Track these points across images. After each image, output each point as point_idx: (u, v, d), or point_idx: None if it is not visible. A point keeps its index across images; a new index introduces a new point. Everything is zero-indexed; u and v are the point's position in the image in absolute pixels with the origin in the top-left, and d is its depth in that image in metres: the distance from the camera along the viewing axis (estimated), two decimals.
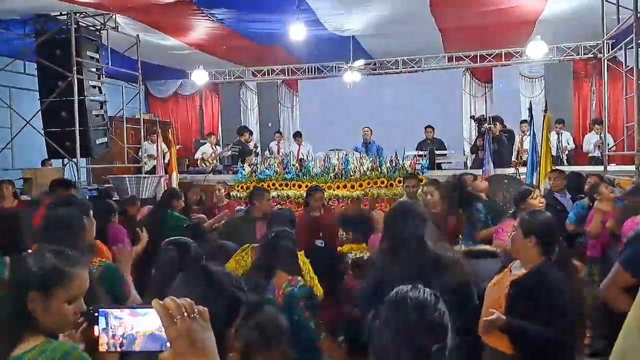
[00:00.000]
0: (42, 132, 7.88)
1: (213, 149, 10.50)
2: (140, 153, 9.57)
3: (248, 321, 1.78)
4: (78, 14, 7.61)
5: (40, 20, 7.66)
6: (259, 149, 10.21)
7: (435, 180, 4.98)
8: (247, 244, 3.58)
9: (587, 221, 4.71)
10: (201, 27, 8.48)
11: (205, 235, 3.30)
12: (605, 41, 7.91)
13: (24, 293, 1.62)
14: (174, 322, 0.93)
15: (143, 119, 9.69)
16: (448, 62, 11.33)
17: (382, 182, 6.78)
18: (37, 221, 3.70)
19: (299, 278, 2.88)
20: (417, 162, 7.22)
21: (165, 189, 7.45)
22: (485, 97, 11.79)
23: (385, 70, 11.65)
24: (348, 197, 6.75)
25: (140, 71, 8.98)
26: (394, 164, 6.92)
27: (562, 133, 9.55)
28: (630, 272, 2.37)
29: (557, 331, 2.42)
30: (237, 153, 9.14)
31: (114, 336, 0.95)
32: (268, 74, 12.39)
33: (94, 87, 8.04)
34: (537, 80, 11.33)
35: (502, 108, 10.87)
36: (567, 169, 6.83)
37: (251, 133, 10.33)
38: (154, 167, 9.24)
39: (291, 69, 12.08)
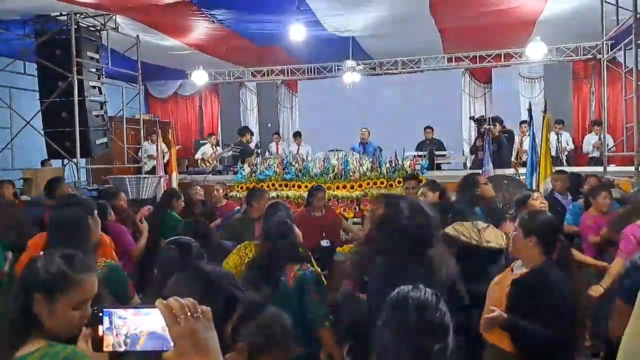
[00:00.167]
0: (42, 132, 7.89)
1: (213, 149, 10.52)
2: (140, 153, 9.57)
3: (250, 322, 1.79)
4: (78, 15, 7.61)
5: (40, 21, 7.67)
6: (260, 149, 10.22)
7: (433, 181, 4.98)
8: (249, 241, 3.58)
9: (580, 223, 4.75)
10: (201, 28, 8.48)
11: (209, 233, 3.31)
12: (604, 42, 7.91)
13: (29, 295, 1.61)
14: (177, 322, 0.94)
15: (143, 120, 9.70)
16: (447, 62, 11.33)
17: (382, 183, 6.79)
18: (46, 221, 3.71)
19: (308, 264, 2.98)
20: (417, 162, 7.23)
21: (165, 189, 7.45)
22: (485, 98, 11.79)
23: (385, 71, 11.66)
24: (348, 197, 6.75)
25: (140, 71, 8.99)
26: (393, 165, 6.93)
27: (561, 134, 9.56)
28: (631, 304, 2.39)
29: (557, 330, 2.43)
30: (238, 153, 9.15)
31: (117, 336, 0.96)
32: (268, 75, 12.40)
33: (94, 87, 8.05)
34: (536, 80, 11.34)
35: (501, 109, 10.89)
36: (567, 169, 6.83)
37: (252, 134, 10.34)
38: (154, 167, 9.25)
39: (291, 69, 12.08)
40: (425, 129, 9.90)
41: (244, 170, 7.48)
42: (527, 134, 7.63)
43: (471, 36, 9.54)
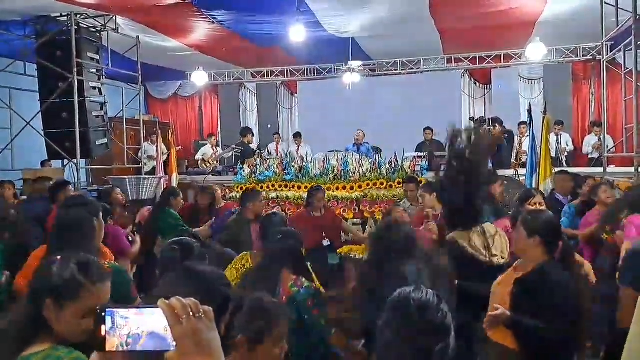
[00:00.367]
0: (42, 133, 7.89)
1: (214, 150, 10.52)
2: (140, 154, 9.57)
3: (239, 313, 1.80)
4: (78, 15, 7.62)
5: (40, 22, 7.68)
6: (261, 150, 10.22)
7: (430, 183, 4.98)
8: (245, 252, 3.56)
9: (581, 225, 4.75)
10: (201, 29, 8.49)
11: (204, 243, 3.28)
12: (604, 43, 7.92)
13: (41, 299, 1.60)
14: (179, 322, 0.94)
15: (143, 120, 9.70)
16: (447, 63, 11.34)
17: (382, 184, 6.78)
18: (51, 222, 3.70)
19: (303, 279, 2.88)
20: (417, 163, 7.22)
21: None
22: (485, 99, 11.80)
23: (385, 72, 11.67)
24: (347, 198, 6.75)
25: (140, 72, 9.00)
26: (393, 166, 6.93)
27: (561, 134, 9.56)
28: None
29: (560, 329, 2.45)
30: (239, 154, 9.16)
31: (120, 336, 0.96)
32: (267, 76, 12.41)
33: (94, 88, 8.05)
34: (536, 81, 11.34)
35: (501, 109, 10.89)
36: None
37: (254, 135, 10.35)
38: (154, 168, 9.25)
39: (290, 70, 12.09)
40: (425, 130, 9.90)
41: (243, 171, 7.47)
42: (526, 134, 7.64)
43: (471, 37, 9.54)
